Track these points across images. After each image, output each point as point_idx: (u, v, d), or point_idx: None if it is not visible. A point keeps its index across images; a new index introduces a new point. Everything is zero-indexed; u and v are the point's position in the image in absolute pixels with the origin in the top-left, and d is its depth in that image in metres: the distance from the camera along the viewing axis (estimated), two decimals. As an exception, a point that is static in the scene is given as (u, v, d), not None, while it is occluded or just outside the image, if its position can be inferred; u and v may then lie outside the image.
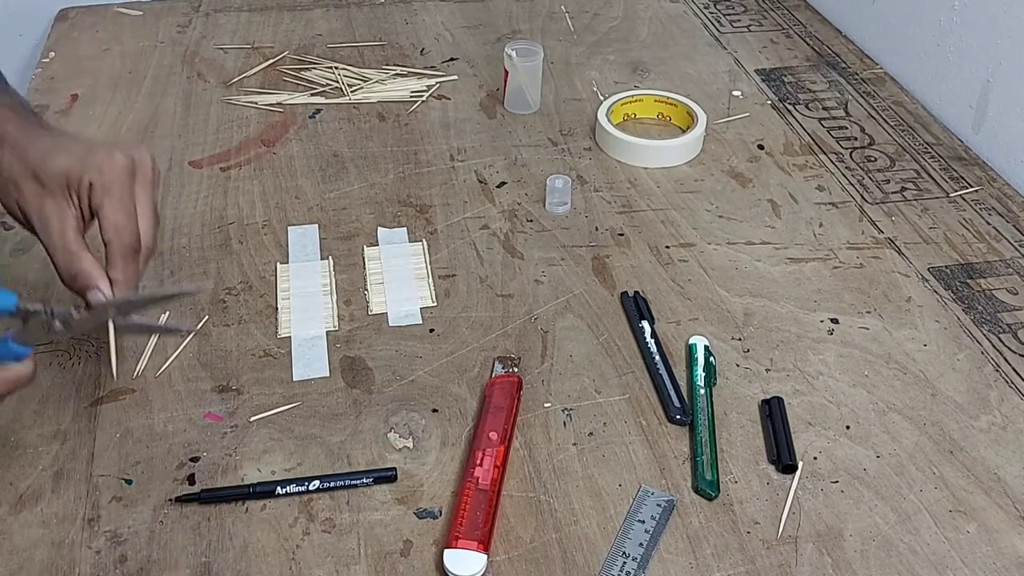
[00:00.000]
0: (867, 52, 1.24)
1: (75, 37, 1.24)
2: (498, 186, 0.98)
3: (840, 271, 0.88)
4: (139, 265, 0.65)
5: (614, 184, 0.99)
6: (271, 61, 1.19)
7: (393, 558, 0.63)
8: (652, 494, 0.67)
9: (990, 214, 0.95)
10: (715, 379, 0.76)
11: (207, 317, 0.81)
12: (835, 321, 0.82)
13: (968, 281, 0.87)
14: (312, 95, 1.13)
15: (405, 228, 0.92)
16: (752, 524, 0.66)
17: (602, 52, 1.24)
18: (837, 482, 0.69)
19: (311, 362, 0.77)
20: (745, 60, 1.22)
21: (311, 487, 0.67)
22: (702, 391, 0.74)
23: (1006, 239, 0.92)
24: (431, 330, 0.81)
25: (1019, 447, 0.72)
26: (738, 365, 0.78)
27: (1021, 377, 0.77)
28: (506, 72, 1.08)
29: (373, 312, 0.82)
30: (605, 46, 1.25)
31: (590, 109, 1.10)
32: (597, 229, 0.92)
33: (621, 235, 0.92)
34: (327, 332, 0.80)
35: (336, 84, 1.15)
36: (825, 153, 1.04)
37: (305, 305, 0.83)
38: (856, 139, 1.07)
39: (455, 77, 1.17)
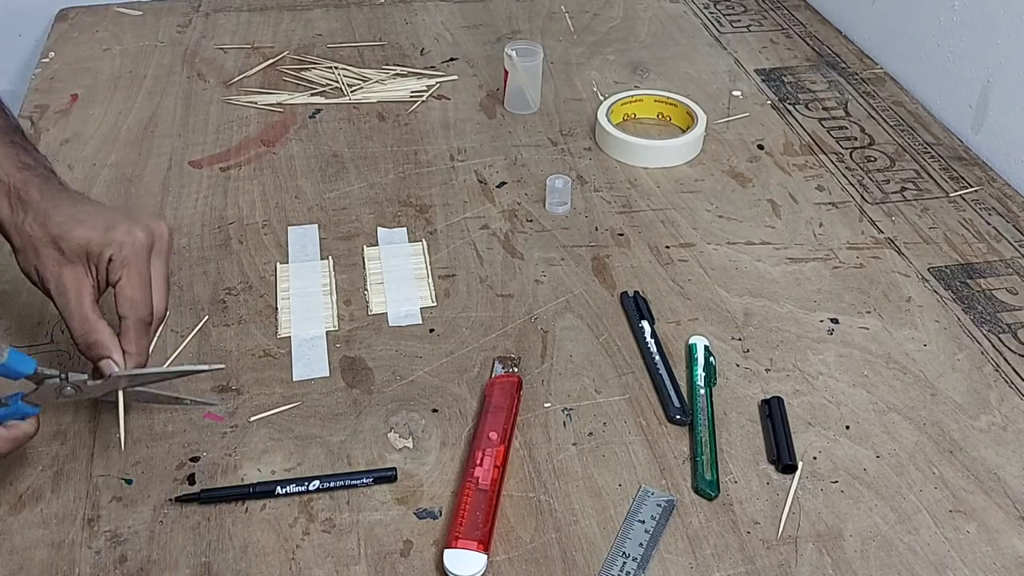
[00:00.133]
0: (867, 52, 1.24)
1: (75, 37, 1.24)
2: (498, 186, 0.98)
3: (840, 271, 0.88)
4: (151, 335, 0.67)
5: (614, 184, 0.99)
6: (271, 61, 1.19)
7: (393, 558, 0.63)
8: (652, 494, 0.67)
9: (990, 214, 0.95)
10: (715, 379, 0.76)
11: (207, 317, 0.81)
12: (835, 321, 0.82)
13: (968, 281, 0.87)
14: (312, 95, 1.13)
15: (405, 228, 0.92)
16: (752, 524, 0.66)
17: (602, 52, 1.24)
18: (837, 482, 0.69)
19: (311, 362, 0.77)
20: (745, 60, 1.22)
21: (311, 487, 0.67)
22: (702, 391, 0.74)
23: (1006, 239, 0.92)
24: (431, 330, 0.81)
25: (1019, 447, 0.72)
26: (738, 365, 0.78)
27: (1021, 377, 0.77)
28: (506, 72, 1.08)
29: (373, 312, 0.82)
30: (605, 46, 1.25)
31: (590, 109, 1.10)
32: (597, 229, 0.92)
33: (621, 235, 0.92)
34: (327, 332, 0.80)
35: (336, 84, 1.15)
36: (825, 153, 1.04)
37: (305, 305, 0.83)
38: (856, 139, 1.07)
39: (455, 77, 1.17)
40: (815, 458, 0.70)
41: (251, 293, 0.84)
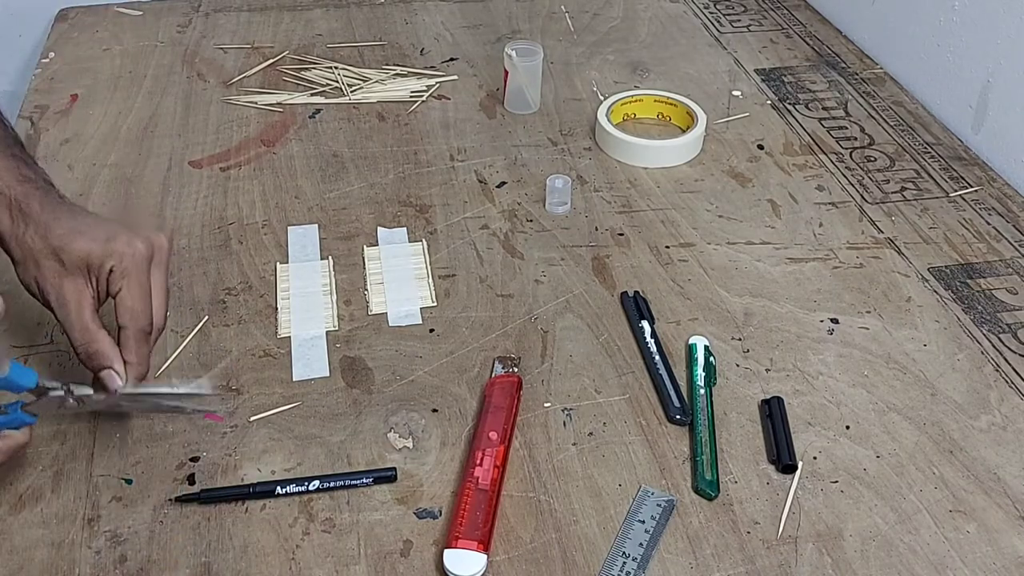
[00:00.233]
0: (867, 52, 1.24)
1: (75, 37, 1.24)
2: (498, 186, 0.98)
3: (840, 271, 0.88)
4: (151, 345, 0.68)
5: (614, 184, 0.99)
6: (271, 61, 1.19)
7: (393, 558, 0.63)
8: (652, 494, 0.67)
9: (990, 214, 0.95)
10: (715, 379, 0.76)
11: (207, 317, 0.81)
12: (835, 321, 0.82)
13: (968, 281, 0.87)
14: (312, 95, 1.13)
15: (405, 228, 0.92)
16: (752, 524, 0.66)
17: (602, 52, 1.24)
18: (837, 482, 0.69)
19: (311, 362, 0.77)
20: (745, 60, 1.22)
21: (311, 487, 0.67)
22: (702, 391, 0.74)
23: (1006, 239, 0.92)
24: (431, 330, 0.81)
25: (1019, 447, 0.72)
26: (738, 365, 0.78)
27: (1021, 377, 0.77)
28: (506, 72, 1.08)
29: (373, 312, 0.82)
30: (605, 46, 1.25)
31: (590, 109, 1.10)
32: (597, 229, 0.92)
33: (621, 235, 0.92)
34: (327, 332, 0.80)
35: (336, 84, 1.15)
36: (825, 153, 1.04)
37: (305, 305, 0.83)
38: (856, 139, 1.07)
39: (455, 77, 1.17)
40: (815, 458, 0.70)
41: (251, 293, 0.84)
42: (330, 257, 0.88)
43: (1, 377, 0.60)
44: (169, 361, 0.77)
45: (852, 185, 0.99)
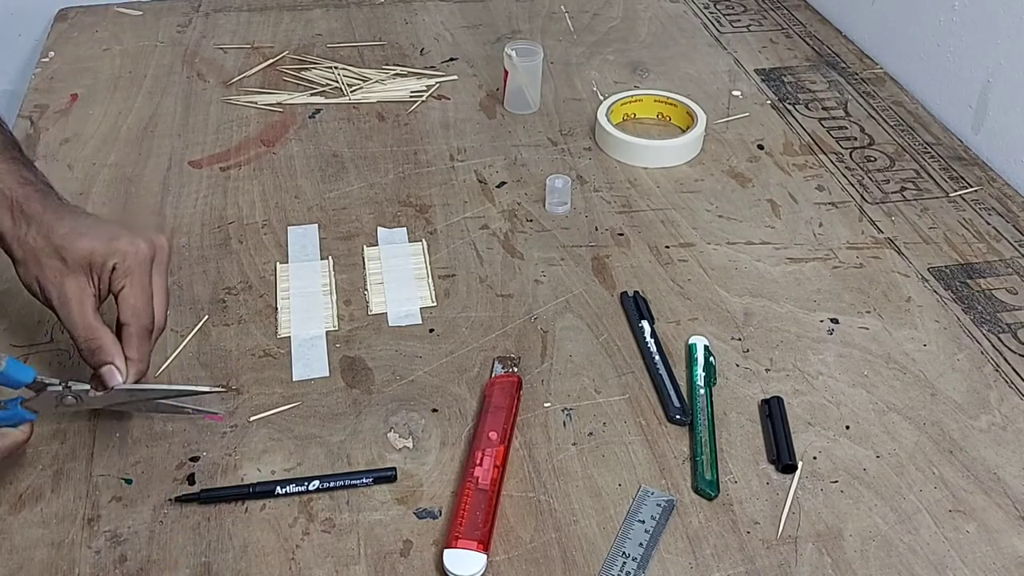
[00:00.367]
0: (867, 52, 1.24)
1: (75, 37, 1.24)
2: (498, 186, 0.98)
3: (840, 271, 0.88)
4: (152, 344, 0.69)
5: (614, 184, 0.99)
6: (271, 61, 1.19)
7: (393, 558, 0.63)
8: (652, 494, 0.67)
9: (990, 214, 0.95)
10: (715, 379, 0.76)
11: (207, 317, 0.81)
12: (835, 321, 0.82)
13: (968, 281, 0.87)
14: (312, 95, 1.13)
15: (405, 228, 0.92)
16: (752, 524, 0.66)
17: (602, 52, 1.24)
18: (837, 482, 0.69)
19: (311, 362, 0.77)
20: (745, 60, 1.22)
21: (311, 487, 0.67)
22: (702, 391, 0.74)
23: (1006, 239, 0.92)
24: (431, 330, 0.81)
25: (1019, 447, 0.72)
26: (738, 365, 0.78)
27: (1021, 377, 0.77)
28: (506, 72, 1.08)
29: (373, 312, 0.82)
30: (605, 46, 1.25)
31: (590, 109, 1.10)
32: (597, 229, 0.92)
33: (621, 235, 0.92)
34: (327, 332, 0.80)
35: (336, 84, 1.15)
36: (825, 153, 1.04)
37: (305, 305, 0.83)
38: (856, 139, 1.07)
39: (455, 77, 1.17)
40: (815, 458, 0.70)
41: (251, 293, 0.84)
42: (330, 257, 0.88)
43: None
44: (169, 360, 0.77)
45: (852, 185, 0.99)
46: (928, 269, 0.88)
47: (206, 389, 0.68)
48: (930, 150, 1.05)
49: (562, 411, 0.73)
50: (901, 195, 0.98)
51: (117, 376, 0.65)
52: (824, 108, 1.12)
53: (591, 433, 0.72)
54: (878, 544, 0.64)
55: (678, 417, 0.72)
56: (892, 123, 1.10)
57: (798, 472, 0.69)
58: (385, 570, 0.62)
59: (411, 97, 1.13)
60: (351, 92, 1.13)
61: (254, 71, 1.17)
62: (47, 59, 1.19)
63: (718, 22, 1.32)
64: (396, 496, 0.67)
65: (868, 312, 0.83)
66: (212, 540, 0.64)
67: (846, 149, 1.05)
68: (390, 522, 0.65)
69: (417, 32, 1.27)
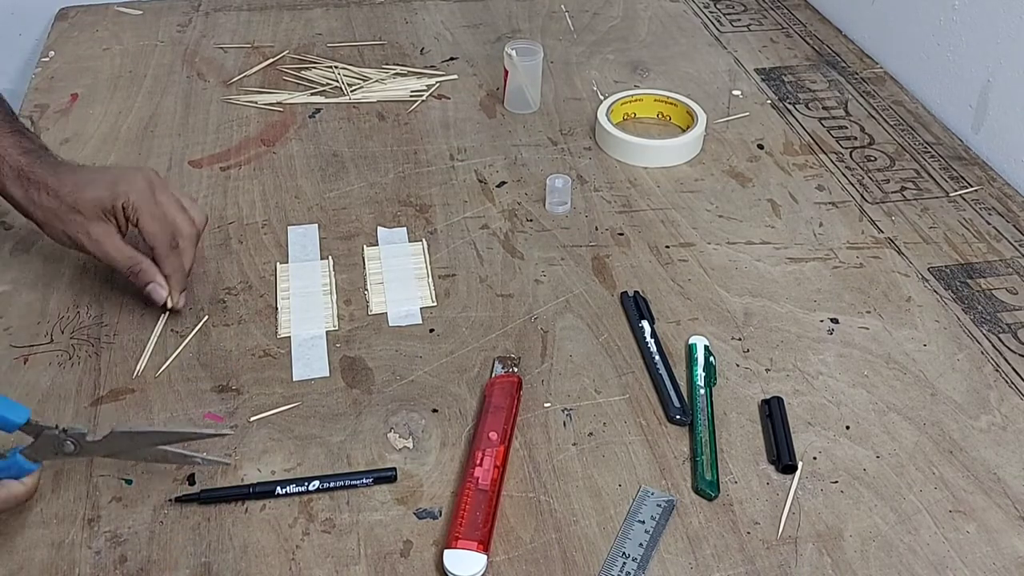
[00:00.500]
0: (867, 52, 1.24)
1: (75, 37, 1.24)
2: (498, 186, 0.98)
3: (840, 271, 0.88)
4: (189, 251, 0.79)
5: (614, 184, 0.99)
6: (271, 60, 1.19)
7: (393, 558, 0.63)
8: (652, 494, 0.67)
9: (990, 214, 0.95)
10: (715, 379, 0.76)
11: (207, 317, 0.81)
12: (835, 321, 0.82)
13: (968, 281, 0.87)
14: (312, 95, 1.13)
15: (405, 228, 0.92)
16: (752, 524, 0.66)
17: (602, 52, 1.24)
18: (837, 482, 0.69)
19: (311, 362, 0.77)
20: (745, 59, 1.22)
21: (311, 487, 0.67)
22: (702, 391, 0.74)
23: (1006, 239, 0.92)
24: (431, 330, 0.81)
25: (1019, 447, 0.72)
26: (738, 365, 0.78)
27: (1021, 377, 0.77)
28: (506, 72, 1.08)
29: (373, 312, 0.82)
30: (605, 46, 1.25)
31: (590, 109, 1.10)
32: (597, 229, 0.92)
33: (621, 235, 0.92)
34: (327, 332, 0.80)
35: (336, 84, 1.15)
36: (825, 153, 1.04)
37: (305, 305, 0.83)
38: (856, 139, 1.07)
39: (455, 77, 1.17)
40: (815, 458, 0.70)
41: (251, 293, 0.84)
42: (330, 257, 0.88)
43: None
44: (169, 361, 0.77)
45: (852, 185, 0.99)
46: (928, 269, 0.88)
47: (210, 432, 0.67)
48: (930, 150, 1.05)
49: (562, 411, 0.73)
50: (901, 195, 0.98)
51: (160, 291, 0.77)
52: (824, 108, 1.12)
53: (591, 433, 0.72)
54: (878, 544, 0.64)
55: (678, 417, 0.72)
56: (892, 123, 1.10)
57: (798, 472, 0.69)
58: (385, 570, 0.62)
59: (411, 97, 1.13)
60: (351, 92, 1.13)
61: (254, 71, 1.17)
62: (47, 59, 1.19)
63: (718, 21, 1.32)
64: (396, 496, 0.67)
65: (868, 312, 0.83)
66: (212, 540, 0.64)
67: (846, 149, 1.05)
68: (390, 522, 0.65)
69: (417, 31, 1.27)
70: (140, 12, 1.30)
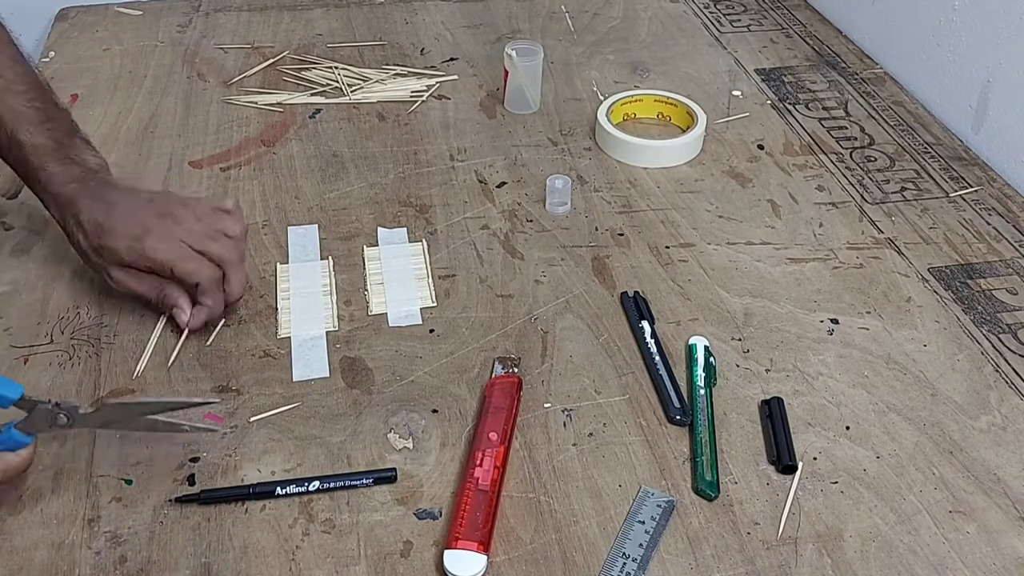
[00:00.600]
0: (867, 52, 1.24)
1: (75, 37, 1.24)
2: (498, 186, 0.98)
3: (840, 271, 0.88)
4: (237, 277, 0.78)
5: (614, 184, 0.99)
6: (271, 61, 1.19)
7: (393, 559, 0.63)
8: (652, 495, 0.67)
9: (990, 214, 0.95)
10: (715, 379, 0.76)
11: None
12: (835, 321, 0.82)
13: (968, 281, 0.87)
14: (312, 95, 1.13)
15: (405, 228, 0.92)
16: (752, 525, 0.66)
17: (602, 52, 1.24)
18: (837, 483, 0.69)
19: (311, 362, 0.77)
20: (745, 60, 1.22)
21: (311, 488, 0.67)
22: (702, 391, 0.74)
23: (1006, 239, 0.92)
24: (431, 330, 0.81)
25: (1019, 447, 0.72)
26: (738, 365, 0.78)
27: (1021, 377, 0.77)
28: (506, 72, 1.08)
29: (373, 312, 0.82)
30: (605, 46, 1.25)
31: (590, 109, 1.10)
32: (597, 229, 0.92)
33: (621, 235, 0.92)
34: (327, 332, 0.80)
35: (336, 84, 1.15)
36: (825, 153, 1.04)
37: (305, 305, 0.83)
38: (856, 139, 1.07)
39: (455, 77, 1.17)
40: (815, 458, 0.70)
41: (251, 293, 0.84)
42: (330, 257, 0.88)
43: None
44: (170, 361, 0.77)
45: (852, 185, 0.99)
46: (928, 269, 0.88)
47: (199, 400, 0.69)
48: (930, 150, 1.05)
49: (562, 412, 0.73)
50: (901, 195, 0.98)
51: (181, 316, 0.76)
52: (824, 108, 1.12)
53: (591, 434, 0.72)
54: (878, 545, 0.64)
55: (678, 418, 0.72)
56: (892, 123, 1.10)
57: (798, 473, 0.69)
58: (385, 571, 0.62)
59: (411, 97, 1.13)
60: (351, 92, 1.13)
61: (254, 71, 1.17)
62: (47, 59, 1.19)
63: (718, 22, 1.32)
64: (396, 497, 0.67)
65: (868, 312, 0.83)
66: (212, 541, 0.64)
67: (846, 149, 1.05)
68: (390, 523, 0.65)
69: (417, 32, 1.27)
70: (140, 12, 1.30)
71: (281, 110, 1.10)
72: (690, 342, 0.79)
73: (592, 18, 1.32)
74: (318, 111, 1.10)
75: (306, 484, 0.66)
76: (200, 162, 1.01)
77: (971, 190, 0.99)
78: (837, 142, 1.06)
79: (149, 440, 0.70)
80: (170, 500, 0.66)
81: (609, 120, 1.04)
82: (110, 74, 1.16)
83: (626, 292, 0.84)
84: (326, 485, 0.67)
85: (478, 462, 0.67)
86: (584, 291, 0.85)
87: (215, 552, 0.63)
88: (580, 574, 0.62)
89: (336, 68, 1.18)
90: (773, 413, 0.73)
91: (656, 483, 0.68)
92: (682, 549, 0.64)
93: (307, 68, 1.18)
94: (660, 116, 1.10)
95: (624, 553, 0.63)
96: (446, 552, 0.61)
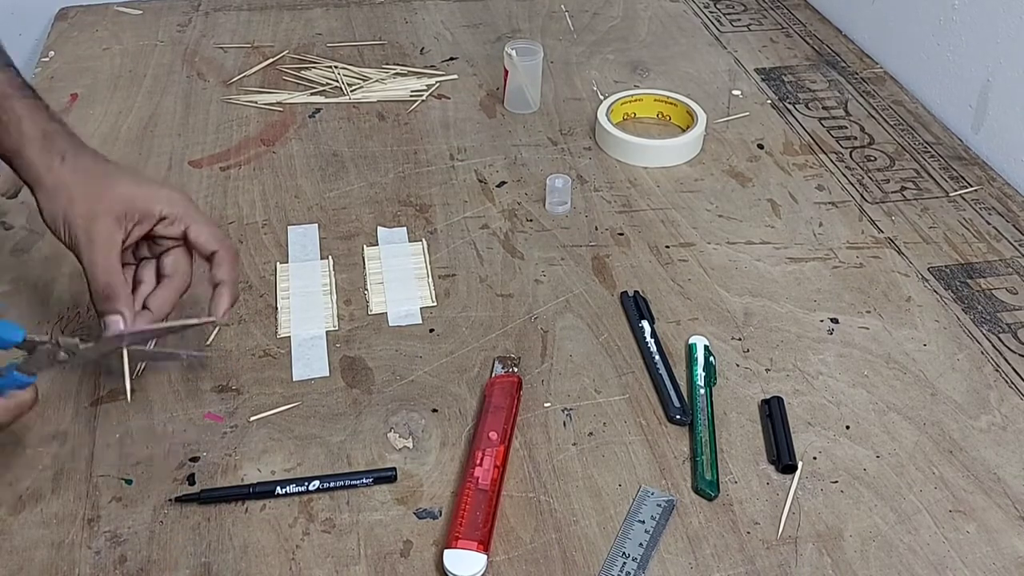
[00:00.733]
0: (867, 51, 1.24)
1: (75, 36, 1.24)
2: (498, 186, 0.98)
3: (840, 271, 0.88)
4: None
5: (614, 184, 0.99)
6: (271, 60, 1.19)
7: (393, 558, 0.63)
8: (652, 494, 0.67)
9: (990, 214, 0.95)
10: (715, 379, 0.76)
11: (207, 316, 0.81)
12: (835, 321, 0.82)
13: (968, 281, 0.87)
14: (312, 94, 1.13)
15: (405, 228, 0.92)
16: (752, 524, 0.66)
17: (602, 51, 1.24)
18: (837, 482, 0.69)
19: (311, 362, 0.77)
20: (745, 59, 1.22)
21: (311, 487, 0.67)
22: (702, 391, 0.74)
23: (1006, 239, 0.92)
24: (431, 330, 0.81)
25: (1019, 447, 0.72)
26: (738, 365, 0.78)
27: (1021, 377, 0.77)
28: (506, 71, 1.08)
29: (373, 312, 0.82)
30: (605, 45, 1.25)
31: (590, 109, 1.10)
32: (597, 229, 0.92)
33: (621, 235, 0.92)
34: (327, 332, 0.80)
35: (336, 83, 1.15)
36: (825, 153, 1.04)
37: (305, 305, 0.83)
38: (856, 139, 1.07)
39: (455, 76, 1.17)
40: (815, 458, 0.70)
41: (251, 293, 0.84)
42: (330, 257, 0.88)
43: None
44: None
45: (852, 185, 0.99)
46: (928, 269, 0.88)
47: (195, 321, 0.70)
48: (930, 150, 1.05)
49: (562, 411, 0.73)
50: (901, 195, 0.98)
51: (120, 325, 0.66)
52: (824, 107, 1.12)
53: (591, 433, 0.72)
54: (878, 544, 0.64)
55: (678, 417, 0.72)
56: (892, 123, 1.10)
57: (798, 472, 0.69)
58: (385, 570, 0.62)
59: (411, 96, 1.13)
60: (351, 91, 1.13)
61: (254, 70, 1.17)
62: (47, 59, 1.19)
63: (718, 21, 1.32)
64: (396, 496, 0.67)
65: (868, 312, 0.83)
66: (212, 540, 0.64)
67: (846, 149, 1.05)
68: (390, 522, 0.65)
69: (417, 31, 1.27)
70: (140, 12, 1.30)
71: (281, 109, 1.10)
72: (690, 341, 0.79)
73: (592, 18, 1.32)
74: (318, 110, 1.10)
75: (306, 484, 0.67)
76: (200, 161, 1.01)
77: (971, 189, 0.99)
78: (837, 142, 1.06)
79: (149, 440, 0.70)
80: (170, 500, 0.66)
81: (609, 120, 1.04)
82: (110, 74, 1.16)
83: (626, 292, 0.84)
84: (326, 485, 0.67)
85: (478, 461, 0.67)
86: (584, 290, 0.85)
87: (215, 552, 0.63)
88: (580, 573, 0.62)
89: (336, 68, 1.18)
90: (773, 413, 0.73)
91: (656, 483, 0.68)
92: (682, 549, 0.64)
93: (307, 68, 1.18)
94: (660, 116, 1.10)
95: (624, 552, 0.63)
96: (446, 551, 0.61)
